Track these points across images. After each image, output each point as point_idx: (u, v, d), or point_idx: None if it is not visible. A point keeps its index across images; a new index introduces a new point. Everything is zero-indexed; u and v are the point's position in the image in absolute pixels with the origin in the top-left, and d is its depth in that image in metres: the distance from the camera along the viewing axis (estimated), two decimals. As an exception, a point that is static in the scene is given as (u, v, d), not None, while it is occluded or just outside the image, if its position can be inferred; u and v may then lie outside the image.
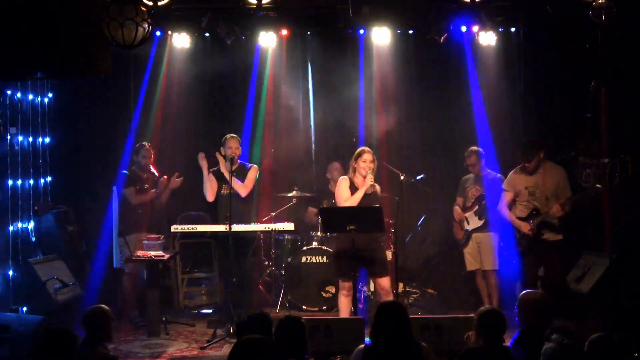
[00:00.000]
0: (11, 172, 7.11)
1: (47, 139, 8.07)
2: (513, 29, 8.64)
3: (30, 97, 7.65)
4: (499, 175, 7.64)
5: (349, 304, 6.70)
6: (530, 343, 4.19)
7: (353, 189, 6.68)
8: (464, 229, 7.66)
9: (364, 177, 6.64)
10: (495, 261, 7.54)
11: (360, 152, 6.72)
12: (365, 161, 6.63)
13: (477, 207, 7.56)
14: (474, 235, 7.60)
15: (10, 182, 7.08)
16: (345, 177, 6.82)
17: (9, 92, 7.15)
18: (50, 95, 8.15)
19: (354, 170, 6.72)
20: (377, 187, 6.77)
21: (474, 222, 7.58)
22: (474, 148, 7.73)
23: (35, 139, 7.76)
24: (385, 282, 6.63)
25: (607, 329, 4.15)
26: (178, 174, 7.83)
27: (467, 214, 7.64)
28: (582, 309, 6.70)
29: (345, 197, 6.66)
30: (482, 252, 7.57)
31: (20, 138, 7.34)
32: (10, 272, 6.94)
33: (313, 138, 9.05)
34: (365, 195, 6.64)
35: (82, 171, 8.65)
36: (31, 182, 7.57)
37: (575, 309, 6.69)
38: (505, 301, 7.46)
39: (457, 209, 7.76)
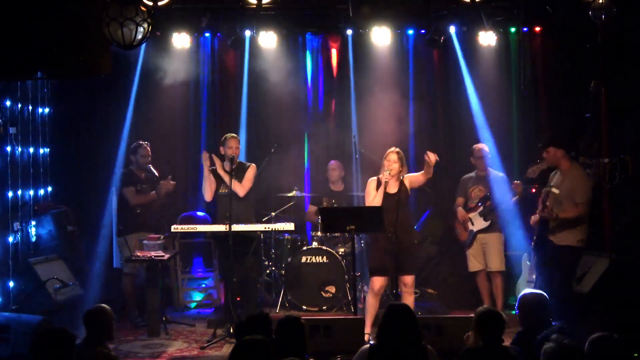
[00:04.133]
0: (11, 172, 7.10)
1: (47, 139, 8.07)
2: (513, 29, 8.65)
3: (30, 96, 7.65)
4: (501, 174, 7.57)
5: (377, 305, 6.73)
6: (530, 343, 4.19)
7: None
8: (468, 230, 7.54)
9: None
10: (502, 262, 7.45)
11: (388, 152, 6.80)
12: (389, 161, 6.71)
13: (481, 208, 7.45)
14: (479, 236, 7.48)
15: (10, 182, 7.07)
16: (374, 177, 6.89)
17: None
18: (50, 94, 8.15)
19: (382, 170, 6.79)
20: (405, 178, 6.73)
21: (479, 223, 7.46)
22: (482, 145, 7.62)
23: (35, 138, 7.75)
24: (410, 279, 6.66)
25: (607, 329, 4.14)
26: (171, 177, 7.81)
27: (471, 215, 7.53)
28: (582, 309, 6.69)
29: (370, 197, 6.76)
30: (488, 253, 7.46)
31: (20, 138, 7.34)
32: (11, 273, 6.94)
33: (312, 137, 9.05)
34: (388, 195, 6.68)
35: (82, 171, 8.65)
36: (31, 181, 7.57)
37: (575, 309, 6.67)
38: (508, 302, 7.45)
39: (460, 209, 7.62)
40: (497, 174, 7.57)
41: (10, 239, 7.04)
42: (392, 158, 6.72)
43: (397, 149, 6.86)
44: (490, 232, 7.46)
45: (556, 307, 6.39)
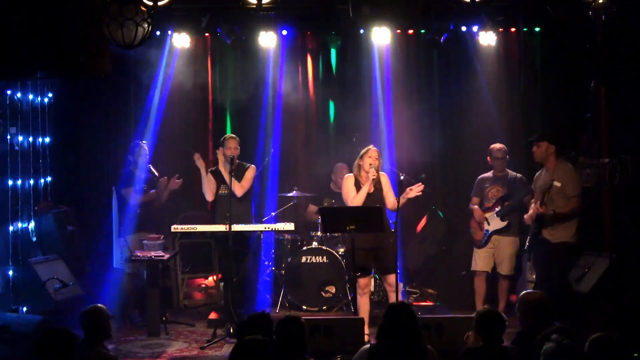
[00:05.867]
0: (11, 172, 7.10)
1: (47, 139, 8.07)
2: (513, 29, 8.64)
3: (31, 97, 7.65)
4: (519, 175, 7.47)
5: (369, 302, 6.77)
6: (530, 343, 4.19)
7: (358, 186, 6.74)
8: (484, 230, 7.41)
9: (367, 172, 6.68)
10: (512, 267, 7.34)
11: (367, 149, 6.78)
12: (371, 157, 6.69)
13: (499, 208, 7.34)
14: (493, 237, 7.36)
15: (10, 182, 7.07)
16: (351, 174, 6.86)
17: (9, 91, 7.14)
18: (50, 95, 8.15)
19: (359, 168, 6.77)
20: (382, 178, 6.73)
21: (495, 224, 7.34)
22: (500, 145, 7.50)
23: (35, 139, 7.75)
24: (393, 278, 6.66)
25: (607, 329, 4.15)
26: (178, 176, 7.82)
27: (487, 215, 7.39)
28: (582, 309, 6.69)
29: (351, 195, 6.72)
30: (499, 257, 7.34)
31: (20, 138, 7.33)
32: (10, 272, 6.94)
33: (313, 137, 9.06)
34: (369, 194, 6.68)
35: (82, 171, 8.65)
36: (31, 182, 7.57)
37: (575, 309, 6.67)
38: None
39: (477, 209, 7.46)
40: (514, 174, 7.45)
41: (11, 239, 7.04)
42: (374, 155, 6.71)
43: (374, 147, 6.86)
44: (506, 235, 7.33)
45: (555, 305, 6.42)
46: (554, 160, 6.85)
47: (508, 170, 7.48)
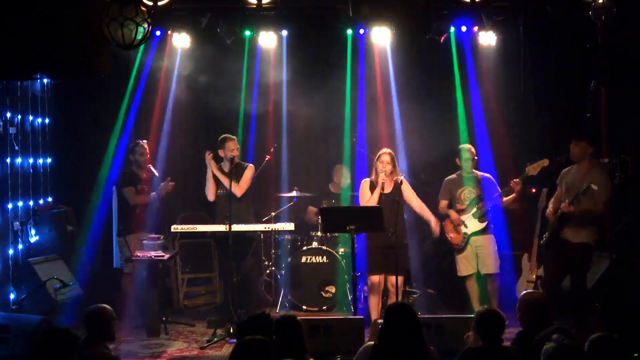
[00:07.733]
0: (11, 172, 7.10)
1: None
2: (513, 29, 8.65)
3: (30, 95, 7.65)
4: (488, 174, 7.41)
5: (380, 301, 6.89)
6: (530, 343, 4.19)
7: (374, 189, 6.91)
8: (462, 233, 7.28)
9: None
10: (497, 264, 7.27)
11: (380, 153, 6.97)
12: (383, 162, 6.88)
13: (475, 210, 7.26)
14: (472, 239, 7.24)
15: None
16: (367, 179, 7.07)
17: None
18: (50, 94, 8.16)
19: (375, 172, 6.95)
20: (404, 185, 6.95)
21: (473, 225, 7.23)
22: (470, 145, 7.44)
23: (35, 138, 7.76)
24: (400, 280, 6.73)
25: (607, 329, 4.15)
26: (170, 179, 7.79)
27: (463, 217, 7.27)
28: (582, 309, 6.69)
29: (366, 198, 6.92)
30: (482, 256, 7.24)
31: (20, 138, 7.34)
32: (11, 273, 6.94)
33: (313, 138, 9.05)
34: (385, 195, 6.82)
35: (82, 171, 8.66)
36: (31, 182, 7.57)
37: (575, 309, 6.67)
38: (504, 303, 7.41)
39: (453, 212, 7.30)
40: (481, 174, 7.37)
41: (10, 239, 7.04)
42: (385, 159, 6.89)
43: (389, 150, 7.02)
44: (484, 235, 7.25)
45: (566, 306, 6.46)
46: (589, 162, 6.74)
47: (474, 171, 7.38)
